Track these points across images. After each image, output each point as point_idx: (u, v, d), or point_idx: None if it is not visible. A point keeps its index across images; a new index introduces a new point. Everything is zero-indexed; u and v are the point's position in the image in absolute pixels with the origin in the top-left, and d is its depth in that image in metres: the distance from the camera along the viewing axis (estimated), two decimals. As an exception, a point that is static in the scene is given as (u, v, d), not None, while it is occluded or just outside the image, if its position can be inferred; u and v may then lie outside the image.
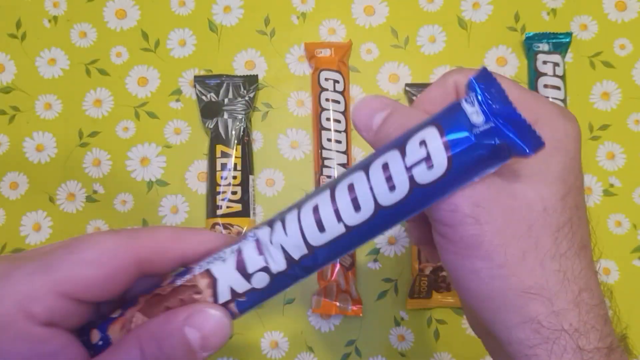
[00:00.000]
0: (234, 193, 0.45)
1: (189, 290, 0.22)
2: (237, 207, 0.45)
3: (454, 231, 0.21)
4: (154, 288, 0.23)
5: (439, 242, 0.22)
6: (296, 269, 0.22)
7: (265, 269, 0.22)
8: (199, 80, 0.47)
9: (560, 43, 0.47)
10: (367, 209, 0.20)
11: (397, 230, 0.47)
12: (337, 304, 0.44)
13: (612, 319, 0.22)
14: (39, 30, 0.49)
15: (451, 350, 0.45)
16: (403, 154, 0.20)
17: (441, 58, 0.49)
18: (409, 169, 0.20)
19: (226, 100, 0.46)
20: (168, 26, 0.49)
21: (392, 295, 0.46)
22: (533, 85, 0.47)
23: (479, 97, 0.20)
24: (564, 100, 0.46)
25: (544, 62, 0.47)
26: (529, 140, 0.19)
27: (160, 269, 0.23)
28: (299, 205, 0.22)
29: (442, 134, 0.20)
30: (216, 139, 0.46)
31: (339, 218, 0.21)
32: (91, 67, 0.49)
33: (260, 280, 0.22)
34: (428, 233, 0.24)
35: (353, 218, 0.21)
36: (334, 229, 0.21)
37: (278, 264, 0.22)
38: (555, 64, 0.47)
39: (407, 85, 0.48)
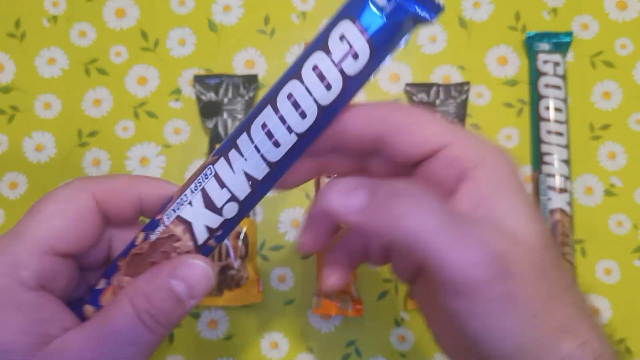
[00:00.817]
0: (233, 193, 0.45)
1: (168, 240, 0.23)
2: (237, 207, 0.45)
3: (482, 292, 0.20)
4: (129, 250, 0.24)
5: (459, 310, 0.20)
6: (260, 188, 0.23)
7: (233, 198, 0.23)
8: (198, 79, 0.47)
9: (560, 43, 0.47)
10: (312, 113, 0.22)
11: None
12: (337, 304, 0.44)
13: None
14: (38, 30, 0.49)
15: (451, 351, 0.45)
16: (328, 52, 0.22)
17: (441, 57, 0.48)
18: (337, 65, 0.22)
19: (226, 100, 0.46)
20: (167, 25, 0.49)
21: (392, 296, 0.46)
22: (534, 85, 0.47)
23: None
24: (564, 100, 0.46)
25: (545, 62, 0.47)
26: (429, 7, 0.22)
27: (120, 211, 0.24)
28: (246, 128, 0.23)
29: (356, 24, 0.21)
30: (216, 138, 0.46)
31: (290, 130, 0.22)
32: (90, 66, 0.48)
33: (231, 210, 0.23)
34: (411, 269, 0.27)
35: (302, 126, 0.22)
36: (288, 141, 0.22)
37: (244, 190, 0.23)
38: (556, 64, 0.47)
39: (407, 84, 0.48)
